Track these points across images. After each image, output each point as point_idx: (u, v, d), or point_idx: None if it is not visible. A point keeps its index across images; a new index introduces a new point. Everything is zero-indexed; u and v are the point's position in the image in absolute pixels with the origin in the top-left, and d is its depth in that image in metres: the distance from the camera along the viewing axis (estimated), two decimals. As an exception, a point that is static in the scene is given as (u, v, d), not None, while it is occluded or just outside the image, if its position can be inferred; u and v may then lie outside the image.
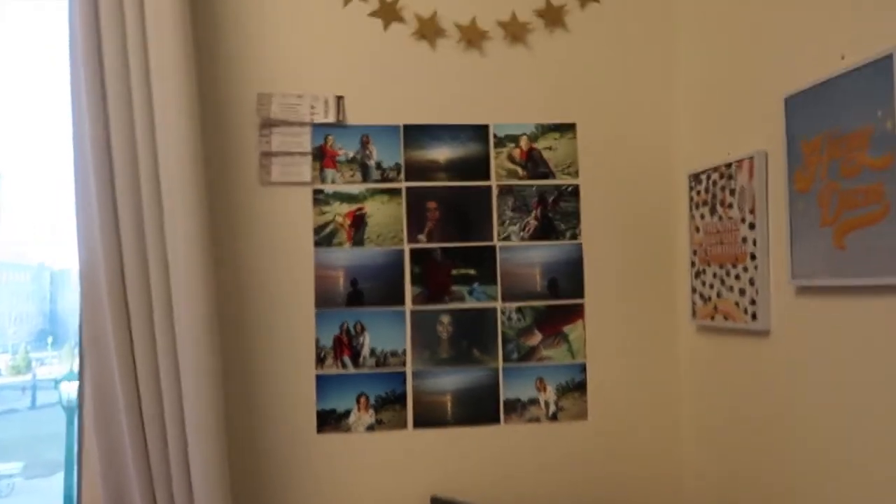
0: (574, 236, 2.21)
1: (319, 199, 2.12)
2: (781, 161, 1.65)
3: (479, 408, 2.14)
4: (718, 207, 1.95)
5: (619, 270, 2.22)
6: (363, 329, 2.11)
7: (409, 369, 2.12)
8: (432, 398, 2.13)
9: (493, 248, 2.18)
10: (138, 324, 1.86)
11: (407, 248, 2.15)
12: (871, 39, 1.39)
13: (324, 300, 2.10)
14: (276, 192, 2.10)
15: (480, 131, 2.20)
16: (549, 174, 2.22)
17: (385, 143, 2.15)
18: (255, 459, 2.05)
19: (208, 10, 2.08)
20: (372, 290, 2.12)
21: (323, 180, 2.13)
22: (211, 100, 2.05)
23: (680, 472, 2.19)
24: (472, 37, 2.19)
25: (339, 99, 2.13)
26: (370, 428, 2.10)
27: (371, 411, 2.10)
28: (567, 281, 2.20)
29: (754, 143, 1.80)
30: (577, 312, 2.19)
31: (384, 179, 2.15)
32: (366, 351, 2.11)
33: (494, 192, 2.19)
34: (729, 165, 1.89)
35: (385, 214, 2.14)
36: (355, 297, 2.12)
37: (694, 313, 2.09)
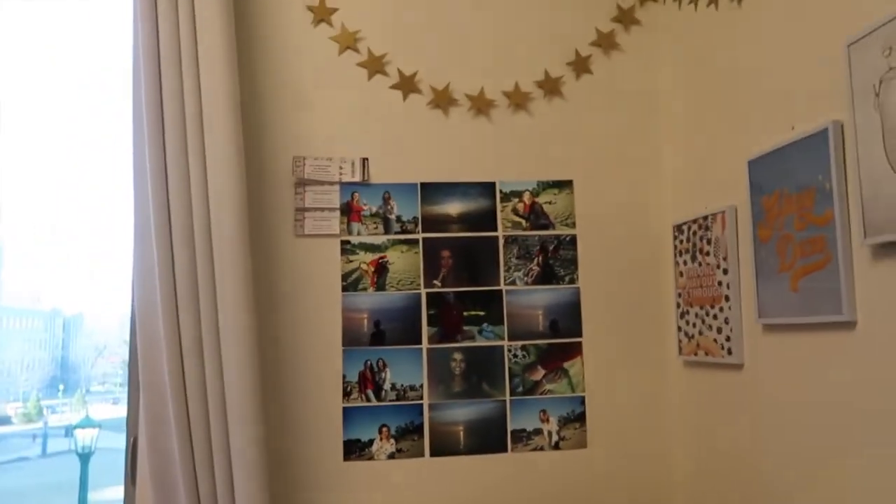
0: (572, 281, 2.29)
1: (346, 249, 2.23)
2: (748, 215, 1.76)
3: (489, 437, 2.20)
4: (698, 255, 2.04)
5: (614, 311, 2.29)
6: (385, 365, 2.20)
7: (426, 402, 2.19)
8: (447, 428, 2.19)
9: (500, 292, 2.26)
10: (190, 367, 1.93)
11: (424, 292, 2.23)
12: (815, 113, 1.52)
13: (350, 339, 2.19)
14: (308, 243, 2.21)
15: (488, 188, 2.29)
16: (549, 225, 2.30)
17: (404, 199, 2.26)
18: (288, 484, 2.10)
19: (254, 87, 2.21)
20: (393, 330, 2.20)
21: (350, 232, 2.23)
22: (254, 163, 2.15)
23: (672, 496, 2.23)
24: (481, 105, 2.30)
25: (364, 161, 2.25)
26: (391, 456, 2.16)
27: (392, 441, 2.17)
28: (567, 321, 2.27)
29: (726, 199, 1.91)
30: (576, 350, 2.26)
31: (403, 231, 2.25)
32: (387, 385, 2.19)
33: (501, 241, 2.28)
34: (706, 218, 2.00)
35: (404, 262, 2.24)
36: (378, 337, 2.20)
37: (680, 350, 2.17)
